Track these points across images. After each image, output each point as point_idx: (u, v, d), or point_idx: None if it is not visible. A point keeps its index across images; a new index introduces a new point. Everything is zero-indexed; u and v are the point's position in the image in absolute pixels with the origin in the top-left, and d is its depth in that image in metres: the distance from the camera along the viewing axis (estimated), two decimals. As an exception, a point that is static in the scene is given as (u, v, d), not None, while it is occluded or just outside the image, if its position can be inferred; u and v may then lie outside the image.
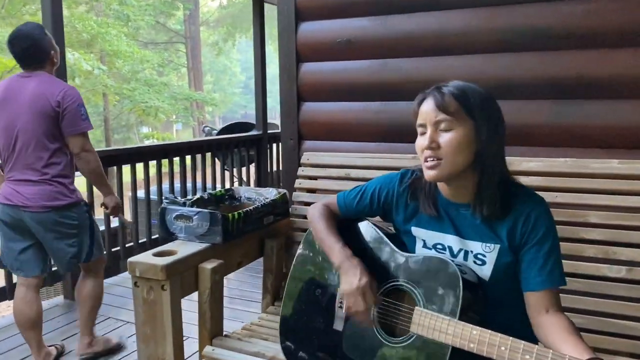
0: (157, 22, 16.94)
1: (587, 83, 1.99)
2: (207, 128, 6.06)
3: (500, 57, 2.15)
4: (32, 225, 2.44)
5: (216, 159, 5.05)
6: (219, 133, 5.99)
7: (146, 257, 1.74)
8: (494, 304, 1.32)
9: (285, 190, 2.23)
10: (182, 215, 1.92)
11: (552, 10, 2.03)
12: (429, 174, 1.29)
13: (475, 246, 1.34)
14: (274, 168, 5.88)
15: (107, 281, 3.42)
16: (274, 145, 5.83)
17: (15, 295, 2.55)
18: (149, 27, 15.94)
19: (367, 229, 1.56)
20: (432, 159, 1.27)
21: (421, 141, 1.31)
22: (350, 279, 1.39)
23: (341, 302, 1.50)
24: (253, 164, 5.54)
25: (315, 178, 2.25)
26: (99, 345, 2.73)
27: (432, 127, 1.28)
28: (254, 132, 5.52)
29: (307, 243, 1.67)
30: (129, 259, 1.73)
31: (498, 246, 1.31)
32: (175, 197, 2.05)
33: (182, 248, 1.82)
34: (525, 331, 1.31)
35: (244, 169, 5.42)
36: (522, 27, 2.08)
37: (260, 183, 5.51)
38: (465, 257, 1.36)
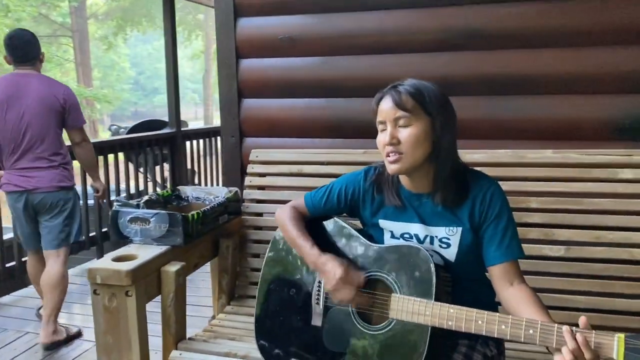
0: (39, 13, 15.69)
1: (517, 80, 2.18)
2: (114, 127, 5.77)
3: (438, 56, 2.28)
4: (39, 205, 2.79)
5: (128, 160, 4.82)
6: (129, 132, 5.71)
7: (106, 263, 1.66)
8: (460, 283, 1.42)
9: (236, 189, 2.21)
10: (137, 217, 1.84)
11: (485, 12, 2.19)
12: (391, 168, 1.36)
13: (439, 231, 1.44)
14: (189, 166, 5.72)
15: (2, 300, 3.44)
16: (188, 144, 5.68)
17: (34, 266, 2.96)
18: (31, 18, 14.71)
19: (336, 226, 1.60)
20: (393, 154, 1.34)
21: (382, 137, 1.37)
22: (328, 276, 1.43)
23: (318, 298, 1.53)
24: (166, 163, 5.37)
25: (264, 175, 2.25)
26: (61, 334, 2.84)
27: (391, 123, 1.35)
28: (167, 130, 5.33)
29: (277, 244, 1.67)
30: (89, 266, 1.64)
31: (460, 228, 1.41)
32: (127, 200, 1.95)
33: (142, 252, 1.75)
34: (492, 307, 1.43)
35: (157, 169, 5.23)
36: (458, 27, 2.22)
37: (175, 182, 5.34)
38: (432, 242, 1.44)
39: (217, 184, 6.14)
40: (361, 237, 1.53)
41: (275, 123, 2.51)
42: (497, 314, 1.25)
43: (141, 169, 4.99)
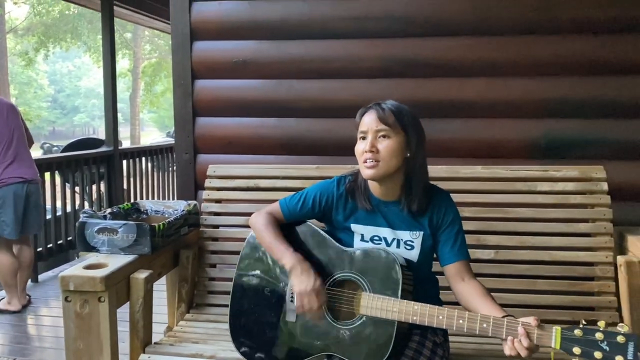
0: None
1: (451, 105, 2.45)
2: (47, 145, 5.62)
3: (380, 81, 2.52)
4: (32, 194, 3.56)
5: (64, 178, 4.74)
6: (64, 150, 5.59)
7: (79, 271, 1.73)
8: (422, 281, 1.63)
9: (195, 202, 2.32)
10: (105, 228, 1.92)
11: (421, 44, 2.46)
12: (367, 173, 1.55)
13: (405, 235, 1.64)
14: (124, 186, 5.67)
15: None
16: (124, 162, 5.64)
17: (6, 251, 3.52)
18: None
19: (310, 230, 1.74)
20: (371, 161, 1.54)
21: (362, 146, 1.56)
22: (304, 280, 1.56)
23: (292, 297, 1.66)
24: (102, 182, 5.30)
25: (221, 189, 2.38)
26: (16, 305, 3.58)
27: (372, 134, 1.55)
28: (104, 149, 5.29)
29: (251, 247, 1.80)
30: (61, 274, 1.70)
31: (422, 232, 1.63)
32: (94, 211, 2.02)
33: (110, 260, 1.83)
34: (437, 301, 1.66)
35: (94, 187, 5.16)
36: (397, 57, 2.48)
37: (111, 201, 5.28)
38: (398, 245, 1.64)
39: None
40: (333, 240, 1.69)
41: (229, 140, 2.65)
42: (456, 310, 1.45)
43: (77, 188, 4.91)
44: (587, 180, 2.13)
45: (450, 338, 1.81)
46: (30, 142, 3.79)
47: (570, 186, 2.14)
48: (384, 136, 1.55)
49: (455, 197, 2.15)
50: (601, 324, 1.29)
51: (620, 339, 1.25)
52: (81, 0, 5.22)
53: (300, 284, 1.57)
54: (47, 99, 35.13)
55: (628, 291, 1.94)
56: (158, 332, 2.00)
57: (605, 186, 2.11)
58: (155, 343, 1.91)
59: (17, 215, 3.45)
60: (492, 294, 2.03)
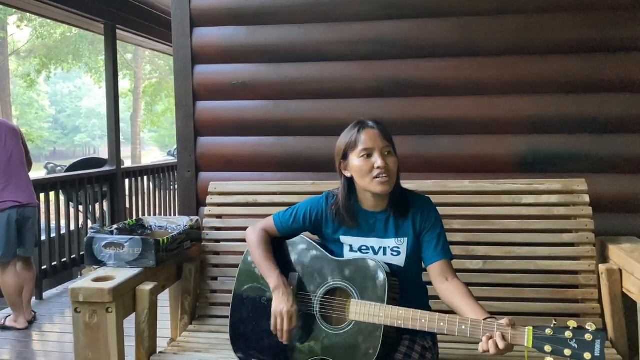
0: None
1: (440, 123, 2.57)
2: (51, 165, 5.74)
3: (373, 101, 2.64)
4: (28, 219, 3.66)
5: (68, 197, 4.86)
6: (68, 170, 5.72)
7: (88, 283, 1.83)
8: (411, 288, 1.73)
9: (197, 218, 2.43)
10: (112, 243, 2.03)
11: (412, 65, 2.58)
12: (382, 188, 1.65)
13: (391, 242, 1.75)
14: (127, 204, 5.78)
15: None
16: (127, 181, 5.76)
17: (10, 271, 3.62)
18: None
19: (303, 242, 1.86)
20: (384, 176, 1.64)
21: (369, 162, 1.65)
22: (283, 302, 1.69)
23: None
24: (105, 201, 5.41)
25: (222, 205, 2.48)
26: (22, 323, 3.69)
27: (379, 151, 1.66)
28: (106, 168, 5.41)
29: (247, 262, 1.92)
30: (71, 286, 1.81)
31: (407, 238, 1.74)
32: (101, 227, 2.13)
33: (117, 273, 1.94)
34: (427, 307, 1.75)
35: (97, 205, 5.27)
36: (390, 77, 2.60)
37: (114, 219, 5.39)
38: (385, 252, 1.75)
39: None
40: (325, 251, 1.81)
41: (229, 158, 2.76)
42: (437, 314, 1.56)
43: (80, 207, 5.02)
44: (569, 193, 2.25)
45: (441, 344, 1.91)
46: (30, 164, 3.87)
47: (553, 198, 2.25)
48: (389, 152, 1.68)
49: (445, 210, 2.29)
50: (571, 323, 1.39)
51: (588, 336, 1.35)
52: (84, 24, 5.37)
53: (278, 304, 1.69)
54: (48, 119, 35.38)
55: (610, 298, 2.04)
56: (161, 345, 2.09)
57: (587, 198, 2.22)
58: (159, 352, 2.00)
59: (9, 240, 3.54)
60: (481, 302, 2.13)
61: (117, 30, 5.36)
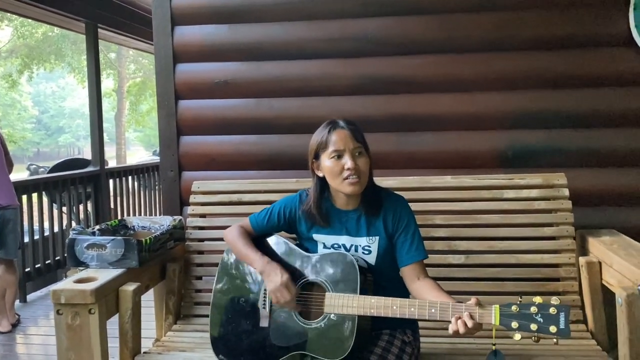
0: None
1: (421, 119, 2.59)
2: (33, 166, 5.68)
3: (355, 98, 2.65)
4: (8, 221, 3.63)
5: (52, 199, 4.81)
6: (51, 171, 5.66)
7: (70, 285, 1.82)
8: (380, 283, 1.74)
9: (180, 217, 2.43)
10: (94, 244, 2.01)
11: (393, 62, 2.60)
12: (352, 189, 1.67)
13: (362, 240, 1.76)
14: (111, 205, 5.74)
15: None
16: (111, 182, 5.72)
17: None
18: None
19: (277, 241, 1.88)
20: (354, 177, 1.65)
21: (339, 164, 1.66)
22: (273, 278, 1.70)
23: (264, 303, 1.79)
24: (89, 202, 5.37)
25: (205, 204, 2.48)
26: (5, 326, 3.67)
27: (349, 153, 1.66)
28: (90, 169, 5.36)
29: (225, 263, 1.92)
30: (52, 288, 1.79)
31: (378, 237, 1.75)
32: (84, 228, 2.12)
33: (100, 274, 1.93)
34: None
35: (81, 206, 5.22)
36: (372, 75, 2.61)
37: (98, 220, 5.35)
38: (356, 250, 1.77)
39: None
40: (299, 249, 1.82)
41: (213, 157, 2.75)
42: (408, 300, 1.59)
43: (64, 208, 4.97)
44: (549, 187, 2.27)
45: (424, 338, 1.93)
46: (10, 166, 3.85)
47: (534, 193, 2.27)
48: (359, 153, 1.68)
49: (427, 206, 2.31)
50: (536, 299, 1.41)
51: (552, 310, 1.38)
52: (65, 24, 5.31)
53: (270, 282, 1.70)
54: (31, 120, 34.93)
55: (590, 290, 2.08)
56: (146, 346, 2.08)
57: (566, 192, 2.25)
58: (144, 353, 1.99)
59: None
60: (464, 296, 2.16)
61: (99, 29, 5.32)
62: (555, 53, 2.51)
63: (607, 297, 2.06)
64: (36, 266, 4.46)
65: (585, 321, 2.12)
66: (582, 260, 2.12)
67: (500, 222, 2.27)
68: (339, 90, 2.66)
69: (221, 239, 2.38)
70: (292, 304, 1.70)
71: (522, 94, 2.53)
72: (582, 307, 2.14)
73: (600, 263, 2.07)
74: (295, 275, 1.76)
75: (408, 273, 1.72)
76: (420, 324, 1.89)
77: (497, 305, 1.45)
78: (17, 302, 3.94)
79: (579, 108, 2.50)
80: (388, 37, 2.60)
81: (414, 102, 2.59)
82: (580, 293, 2.15)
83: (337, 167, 1.67)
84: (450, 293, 2.12)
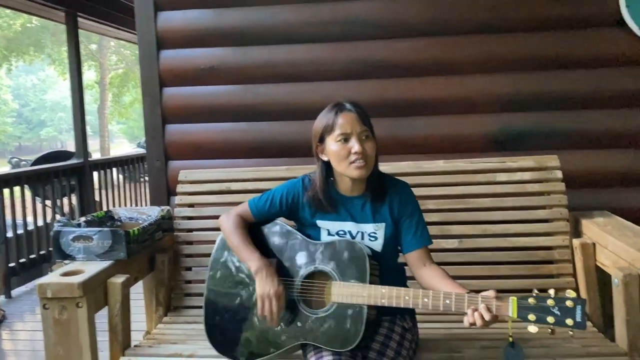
0: None
1: (413, 104, 2.55)
2: (15, 159, 5.55)
3: (345, 83, 2.60)
4: None
5: (26, 191, 4.71)
6: (33, 164, 5.55)
7: (56, 278, 1.77)
8: (388, 271, 1.71)
9: (168, 207, 2.37)
10: (80, 236, 1.95)
11: (383, 46, 2.55)
12: (359, 173, 1.62)
13: (368, 227, 1.72)
14: (96, 197, 5.65)
15: None
16: (95, 174, 5.62)
17: None
18: None
19: (280, 227, 1.81)
20: (361, 161, 1.61)
21: (347, 147, 1.61)
22: (268, 284, 1.63)
23: None
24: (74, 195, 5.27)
25: (194, 194, 2.43)
26: None
27: (356, 136, 1.61)
28: (73, 161, 5.26)
29: (219, 252, 1.85)
30: (39, 282, 1.74)
31: (384, 223, 1.71)
32: (68, 220, 2.05)
33: (87, 267, 1.87)
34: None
35: (64, 200, 5.13)
36: (362, 59, 2.57)
37: (83, 213, 5.25)
38: (362, 237, 1.72)
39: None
40: (303, 236, 1.76)
41: (200, 146, 2.70)
42: (420, 290, 1.54)
43: (47, 202, 4.88)
44: (542, 170, 2.26)
45: (421, 324, 1.91)
46: None
47: (527, 176, 2.25)
48: (366, 137, 1.64)
49: (420, 191, 2.28)
50: (552, 291, 1.39)
51: (569, 303, 1.37)
52: (44, 13, 5.17)
53: (263, 287, 1.64)
54: (11, 114, 34.34)
55: (584, 271, 2.07)
56: (136, 339, 2.03)
57: (559, 174, 2.24)
58: (135, 346, 1.95)
59: None
60: (458, 281, 2.14)
61: (79, 19, 5.18)
62: (546, 35, 2.48)
63: (600, 279, 2.05)
64: (20, 261, 4.37)
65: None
66: (576, 242, 2.11)
67: (493, 205, 2.25)
68: (328, 76, 2.61)
69: (211, 229, 2.35)
70: (276, 319, 1.64)
71: (514, 76, 2.50)
72: (577, 289, 2.13)
73: (594, 245, 2.06)
74: (298, 263, 1.72)
75: (414, 259, 1.69)
76: (417, 310, 1.87)
77: (515, 298, 1.42)
78: (1, 297, 3.86)
79: (570, 90, 2.48)
80: (378, 20, 2.55)
81: (405, 87, 2.55)
82: (575, 275, 2.14)
83: (343, 150, 1.62)
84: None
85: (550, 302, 1.39)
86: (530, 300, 1.40)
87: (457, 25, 2.51)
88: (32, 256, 4.52)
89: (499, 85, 2.50)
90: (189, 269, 2.36)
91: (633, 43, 2.43)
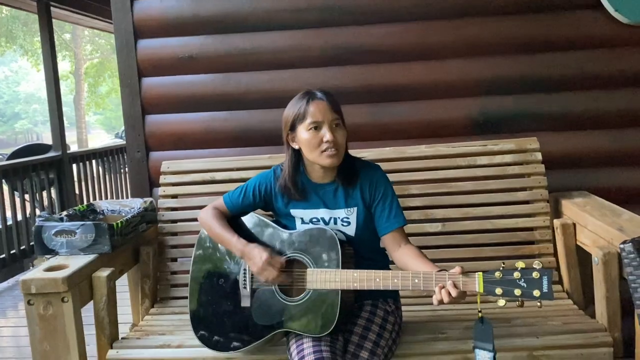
0: None
1: (394, 89, 2.55)
2: (-9, 153, 5.42)
3: (326, 70, 2.59)
4: None
5: (4, 185, 4.63)
6: (9, 158, 5.44)
7: (40, 273, 1.75)
8: (362, 254, 1.73)
9: (151, 199, 2.35)
10: (63, 230, 1.94)
11: (363, 31, 2.54)
12: (331, 161, 1.64)
13: (340, 212, 1.74)
14: (76, 190, 5.58)
15: None
16: (74, 167, 5.54)
17: None
18: None
19: (254, 220, 1.84)
20: (332, 149, 1.62)
21: (318, 135, 1.63)
22: (254, 260, 1.66)
23: (244, 283, 1.75)
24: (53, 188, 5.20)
25: (177, 184, 2.41)
26: None
27: (328, 124, 1.62)
28: (52, 154, 5.18)
29: (202, 243, 1.88)
30: (22, 278, 1.72)
31: (356, 208, 1.73)
32: (49, 214, 2.03)
33: (71, 261, 1.86)
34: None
35: (44, 193, 5.05)
36: (343, 45, 2.55)
37: (63, 207, 5.19)
38: (335, 223, 1.74)
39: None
40: (277, 226, 1.79)
41: (181, 136, 2.67)
42: (390, 271, 1.57)
43: (26, 196, 4.80)
44: (522, 152, 2.29)
45: (405, 307, 1.94)
46: None
47: (507, 158, 2.29)
48: (336, 125, 1.64)
49: (402, 176, 2.30)
50: (519, 264, 1.42)
51: (535, 274, 1.39)
52: (15, 3, 5.05)
53: (253, 265, 1.67)
54: (-17, 107, 33.62)
55: (565, 251, 2.11)
56: (123, 331, 2.02)
57: (539, 156, 2.27)
58: (122, 338, 1.94)
59: None
60: (442, 264, 2.15)
61: (52, 8, 5.07)
62: (524, 17, 2.49)
63: (580, 258, 2.10)
64: (0, 257, 4.31)
65: (560, 281, 2.15)
66: (556, 222, 2.15)
67: (475, 188, 2.28)
68: (308, 62, 2.60)
69: (195, 220, 2.32)
70: (280, 278, 1.67)
71: (493, 59, 2.51)
72: (558, 269, 2.18)
73: (574, 224, 2.10)
74: (275, 253, 1.72)
75: (389, 241, 1.71)
76: (401, 293, 1.89)
77: (480, 273, 1.45)
78: (-17, 294, 3.82)
79: (549, 72, 2.50)
80: (356, 5, 2.54)
81: (385, 72, 2.55)
82: (556, 255, 2.18)
83: (315, 139, 1.63)
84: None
85: (516, 274, 1.41)
86: (497, 274, 1.43)
87: (436, 9, 2.51)
88: (13, 251, 4.47)
89: (479, 69, 2.52)
90: (174, 260, 2.36)
91: (609, 25, 2.45)
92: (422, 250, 1.69)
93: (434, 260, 2.16)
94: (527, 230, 2.23)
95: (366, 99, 2.57)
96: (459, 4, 2.50)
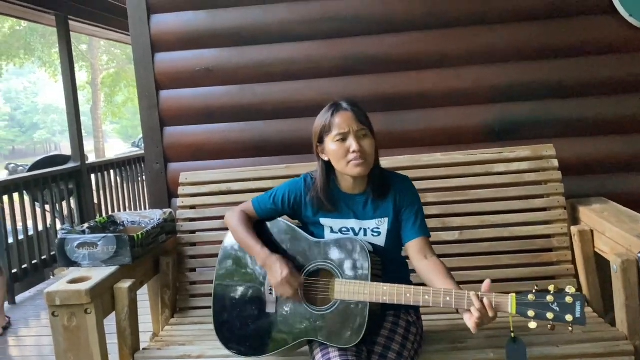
0: None
1: (408, 97, 2.57)
2: (12, 166, 5.55)
3: (340, 80, 2.62)
4: None
5: (33, 198, 4.72)
6: (30, 169, 5.54)
7: (64, 286, 1.79)
8: (392, 265, 1.74)
9: (171, 210, 2.39)
10: (85, 242, 1.97)
11: (376, 41, 2.57)
12: (357, 171, 1.65)
13: (371, 223, 1.75)
14: (95, 200, 5.66)
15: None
16: (93, 177, 5.63)
17: None
18: None
19: (283, 226, 1.85)
20: (359, 159, 1.63)
21: (344, 146, 1.64)
22: (274, 273, 1.68)
23: (270, 289, 1.77)
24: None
25: (195, 195, 2.45)
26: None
27: (354, 135, 1.64)
28: (71, 165, 5.26)
29: (226, 250, 1.90)
30: (46, 290, 1.76)
31: (387, 218, 1.74)
32: (71, 226, 2.07)
33: (93, 273, 1.89)
34: (409, 283, 1.76)
35: (64, 203, 5.13)
36: (356, 55, 2.58)
37: (83, 217, 5.27)
38: (365, 233, 1.75)
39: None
40: (305, 234, 1.80)
41: (199, 147, 2.71)
42: (421, 287, 1.56)
43: (47, 207, 4.88)
44: (539, 159, 2.28)
45: (425, 317, 1.94)
46: None
47: (524, 165, 2.28)
48: (364, 135, 1.66)
49: (419, 184, 2.29)
50: (551, 287, 1.42)
51: (568, 299, 1.39)
52: (34, 17, 5.15)
53: (272, 278, 1.69)
54: (3, 118, 34.25)
55: (583, 258, 2.10)
56: (144, 341, 2.05)
57: (555, 162, 2.26)
58: (144, 349, 1.97)
59: None
60: (460, 272, 2.18)
61: (70, 22, 5.17)
62: (538, 24, 2.50)
63: (599, 265, 2.08)
64: (23, 267, 4.39)
65: (579, 289, 2.14)
66: (574, 229, 2.14)
67: (491, 196, 2.28)
68: (323, 73, 2.63)
69: (213, 230, 2.38)
70: (297, 298, 1.69)
71: (507, 66, 2.52)
72: (576, 276, 2.16)
73: (592, 231, 2.09)
74: (302, 261, 1.75)
75: (414, 249, 1.71)
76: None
77: (514, 294, 1.44)
78: (6, 304, 3.88)
79: (563, 78, 2.50)
80: (370, 15, 2.56)
81: (399, 81, 2.57)
82: (574, 262, 2.17)
83: (341, 149, 1.65)
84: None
85: (549, 298, 1.41)
86: (530, 297, 1.42)
87: (449, 17, 2.53)
88: (34, 261, 4.54)
89: (493, 76, 2.52)
90: (193, 270, 2.39)
91: (624, 29, 2.45)
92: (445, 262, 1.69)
93: (451, 270, 2.19)
94: (545, 237, 2.22)
95: (380, 107, 2.58)
96: (473, 11, 2.51)
